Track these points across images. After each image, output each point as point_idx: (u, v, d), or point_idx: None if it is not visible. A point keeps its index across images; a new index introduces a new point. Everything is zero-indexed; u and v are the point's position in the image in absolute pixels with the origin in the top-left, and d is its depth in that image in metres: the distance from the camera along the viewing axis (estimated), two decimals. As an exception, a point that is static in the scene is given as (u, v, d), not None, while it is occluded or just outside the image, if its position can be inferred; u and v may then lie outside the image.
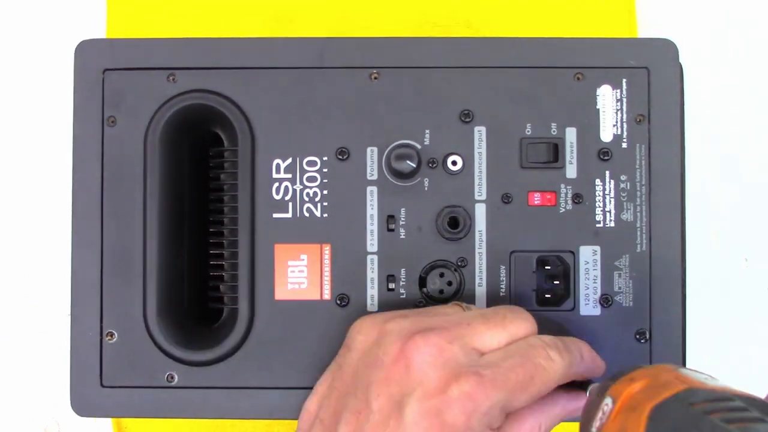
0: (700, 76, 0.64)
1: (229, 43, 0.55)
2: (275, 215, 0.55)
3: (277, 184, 0.55)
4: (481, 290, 0.54)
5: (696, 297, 0.65)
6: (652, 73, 0.54)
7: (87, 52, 0.55)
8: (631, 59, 0.54)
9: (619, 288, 0.54)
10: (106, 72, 0.55)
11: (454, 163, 0.54)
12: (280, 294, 0.54)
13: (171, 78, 0.55)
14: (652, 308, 0.54)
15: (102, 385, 0.55)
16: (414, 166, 0.53)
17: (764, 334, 0.65)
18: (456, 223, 0.54)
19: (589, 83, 0.54)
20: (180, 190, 0.55)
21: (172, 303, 0.55)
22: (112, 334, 0.54)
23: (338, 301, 0.54)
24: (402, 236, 0.54)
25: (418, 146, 0.54)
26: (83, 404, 0.55)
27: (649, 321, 0.54)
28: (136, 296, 0.54)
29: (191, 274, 0.56)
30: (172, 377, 0.54)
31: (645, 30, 0.63)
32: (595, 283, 0.54)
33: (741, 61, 0.64)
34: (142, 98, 0.55)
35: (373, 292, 0.54)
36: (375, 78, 0.54)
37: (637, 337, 0.54)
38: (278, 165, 0.55)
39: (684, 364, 0.54)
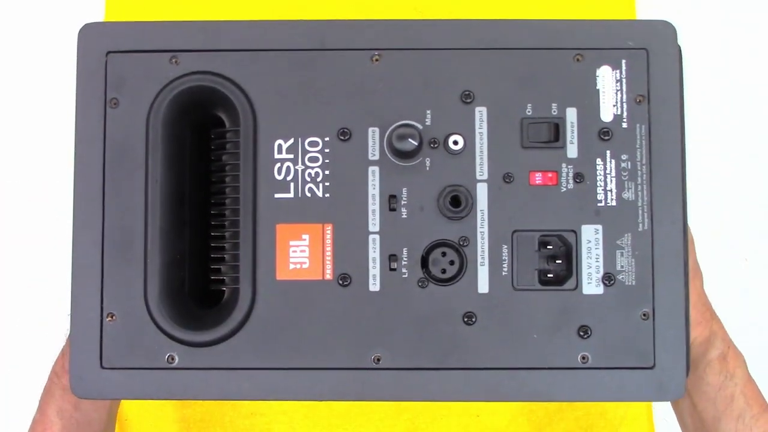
0: (700, 74, 0.65)
1: (231, 26, 0.55)
2: (277, 195, 0.55)
3: (279, 165, 0.55)
4: (483, 270, 0.54)
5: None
6: (651, 54, 0.54)
7: (90, 35, 0.55)
8: (630, 40, 0.54)
9: (622, 267, 0.54)
10: (109, 54, 0.55)
11: (455, 143, 0.54)
12: (281, 274, 0.54)
13: (174, 60, 0.55)
14: (655, 287, 0.54)
15: (102, 367, 0.54)
16: (416, 144, 0.53)
17: (765, 333, 0.65)
18: (458, 202, 0.54)
19: (589, 64, 0.54)
20: (182, 172, 0.55)
21: (173, 284, 0.55)
22: (112, 315, 0.54)
23: (340, 281, 0.54)
24: (404, 216, 0.54)
25: (420, 126, 0.54)
26: (83, 386, 0.54)
27: (652, 300, 0.54)
28: (138, 277, 0.54)
29: (192, 255, 0.56)
30: (173, 358, 0.54)
31: (644, 12, 0.64)
32: (597, 262, 0.54)
33: (743, 59, 0.65)
34: (145, 80, 0.55)
35: (375, 272, 0.54)
36: (376, 60, 0.55)
37: (642, 316, 0.53)
38: (280, 145, 0.55)
39: (688, 343, 0.54)
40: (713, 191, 0.65)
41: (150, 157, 0.54)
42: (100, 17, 0.66)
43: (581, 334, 0.53)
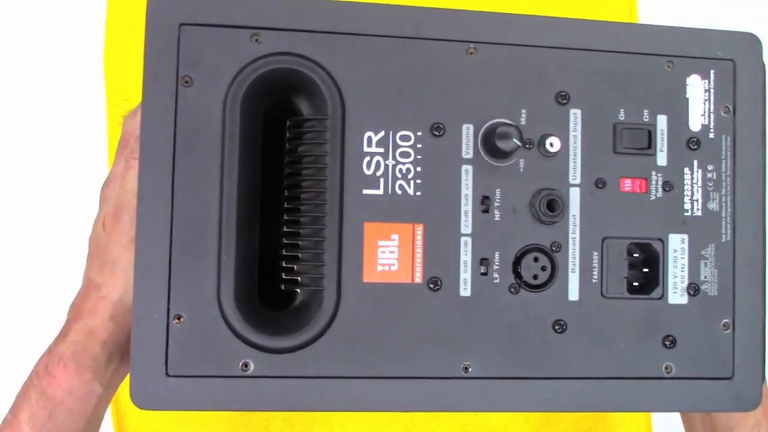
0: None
1: (321, 5, 0.51)
2: (365, 191, 0.51)
3: (368, 159, 0.51)
4: (574, 276, 0.53)
5: None
6: (737, 65, 0.55)
7: (161, 4, 0.50)
8: (718, 50, 0.55)
9: (705, 277, 0.54)
10: (182, 27, 0.50)
11: (551, 144, 0.52)
12: (368, 276, 0.51)
13: (254, 38, 0.50)
14: (735, 298, 0.54)
15: (168, 374, 0.49)
16: (519, 144, 0.51)
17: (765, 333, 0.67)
18: (553, 207, 0.52)
19: (679, 72, 0.54)
20: (257, 161, 0.51)
21: (248, 284, 0.50)
22: (180, 317, 0.49)
23: (431, 285, 0.51)
24: (497, 218, 0.52)
25: (519, 125, 0.52)
26: (146, 396, 0.48)
27: (733, 311, 0.54)
28: (210, 275, 0.49)
29: (263, 252, 0.51)
30: (247, 365, 0.49)
31: (644, 12, 0.65)
32: (683, 271, 0.54)
33: None
34: (223, 58, 0.50)
35: (466, 276, 0.51)
36: (471, 53, 0.52)
37: (723, 327, 0.54)
38: (370, 138, 0.51)
39: (764, 354, 0.54)
40: None
41: (227, 143, 0.49)
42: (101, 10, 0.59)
43: (666, 343, 0.53)
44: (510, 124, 0.51)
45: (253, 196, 0.50)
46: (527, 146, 0.52)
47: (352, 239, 0.50)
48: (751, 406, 0.54)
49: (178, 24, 0.49)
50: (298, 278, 0.51)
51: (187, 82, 0.49)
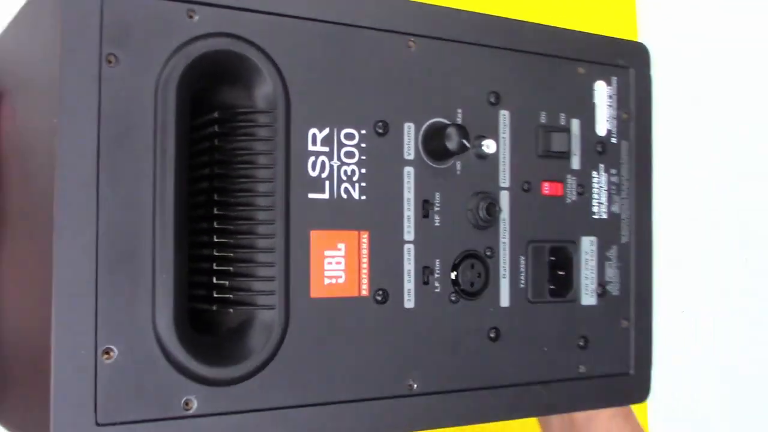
0: (702, 75, 0.67)
1: None
2: (311, 196, 0.45)
3: (313, 159, 0.45)
4: (504, 282, 0.51)
5: (696, 296, 0.69)
6: (633, 73, 0.57)
7: None
8: (620, 58, 0.56)
9: (610, 278, 0.55)
10: None
11: (487, 146, 0.50)
12: (316, 291, 0.45)
13: (189, 14, 0.42)
14: (632, 297, 0.56)
15: (98, 423, 0.39)
16: (468, 145, 0.48)
17: (764, 333, 0.70)
18: (492, 212, 0.50)
19: (588, 77, 0.55)
20: (186, 160, 0.43)
21: (183, 307, 0.42)
22: (110, 352, 0.40)
23: (377, 298, 0.47)
24: (437, 223, 0.49)
25: (463, 125, 0.49)
26: None
27: (631, 310, 0.56)
28: (144, 298, 0.40)
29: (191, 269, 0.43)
30: (189, 403, 0.41)
31: (644, 11, 0.66)
32: (592, 273, 0.55)
33: (745, 63, 0.69)
34: (154, 35, 0.41)
35: (409, 286, 0.48)
36: (411, 46, 0.48)
37: (623, 325, 0.56)
38: (315, 136, 0.45)
39: (652, 347, 0.57)
40: (713, 191, 0.68)
41: (160, 137, 0.41)
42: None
43: (580, 344, 0.54)
44: (457, 125, 0.48)
45: (186, 202, 0.42)
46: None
47: (299, 250, 0.45)
48: (645, 397, 0.57)
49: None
50: (231, 296, 0.44)
51: (111, 61, 0.40)
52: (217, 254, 0.44)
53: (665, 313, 0.69)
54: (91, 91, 0.40)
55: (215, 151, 0.45)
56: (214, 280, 0.44)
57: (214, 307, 0.44)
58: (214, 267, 0.44)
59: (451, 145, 0.48)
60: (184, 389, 0.41)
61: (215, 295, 0.44)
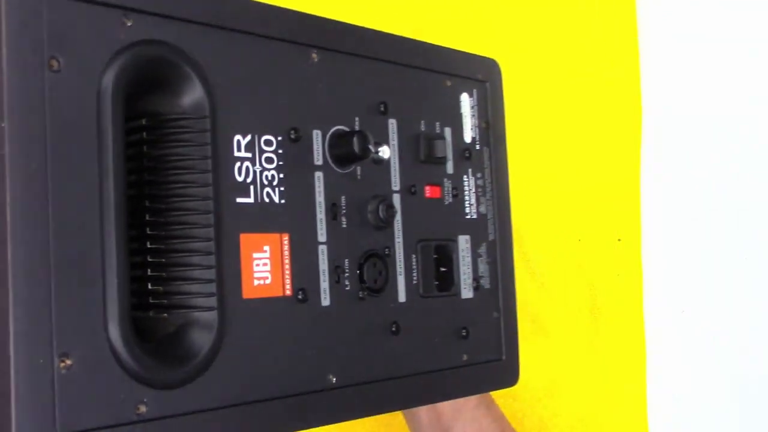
0: (704, 76, 0.71)
1: None
2: (239, 200, 0.46)
3: (238, 164, 0.47)
4: (401, 279, 0.55)
5: (696, 296, 0.72)
6: (489, 86, 0.63)
7: None
8: (478, 73, 0.62)
9: (482, 273, 0.61)
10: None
11: (383, 153, 0.54)
12: (247, 292, 0.46)
13: (125, 21, 0.42)
14: (500, 289, 0.62)
15: None
16: (373, 150, 0.51)
17: (764, 333, 0.72)
18: (392, 213, 0.53)
19: (455, 89, 0.60)
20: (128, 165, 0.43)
21: (128, 311, 0.42)
22: (65, 359, 0.39)
23: (299, 297, 0.49)
24: (344, 225, 0.52)
25: (365, 131, 0.52)
26: None
27: (499, 301, 0.62)
28: (96, 303, 0.40)
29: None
30: (141, 408, 0.41)
31: (643, 10, 0.69)
32: (468, 268, 0.60)
33: (745, 61, 0.71)
34: (91, 40, 0.41)
35: (325, 285, 0.50)
36: (314, 58, 0.51)
37: (495, 315, 0.61)
38: (239, 142, 0.47)
39: (517, 334, 0.63)
40: (713, 191, 0.67)
41: (102, 143, 0.41)
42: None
43: (463, 335, 0.58)
44: (361, 131, 0.51)
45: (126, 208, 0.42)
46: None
47: (230, 253, 0.46)
48: (515, 381, 0.62)
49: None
50: (166, 301, 0.44)
51: (53, 66, 0.40)
52: (150, 260, 0.44)
53: (665, 313, 0.74)
54: (36, 95, 0.39)
55: (144, 158, 0.45)
56: (149, 286, 0.44)
57: (151, 313, 0.44)
58: (148, 273, 0.44)
59: (358, 150, 0.51)
60: (135, 394, 0.41)
61: (151, 301, 0.44)
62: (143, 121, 0.45)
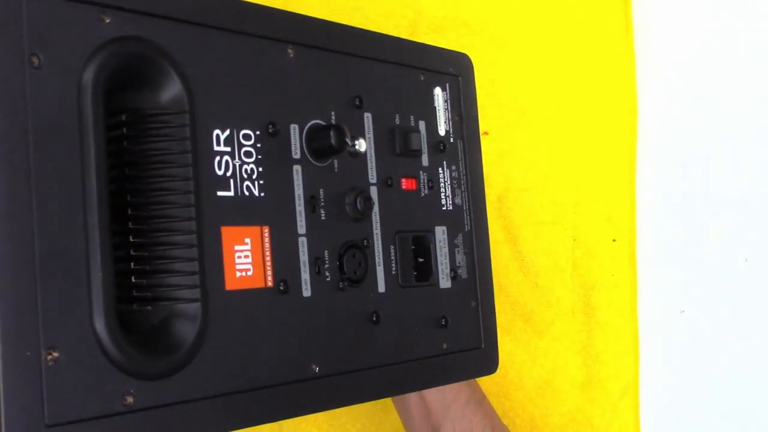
0: (700, 75, 0.69)
1: None
2: (219, 193, 0.47)
3: (218, 158, 0.47)
4: (380, 270, 0.56)
5: (696, 296, 0.71)
6: (461, 80, 0.64)
7: None
8: (450, 67, 0.63)
9: (459, 263, 0.62)
10: None
11: (359, 146, 0.54)
12: (230, 284, 0.47)
13: (102, 17, 0.43)
14: (477, 279, 0.63)
15: (47, 425, 0.39)
16: (350, 143, 0.52)
17: (764, 333, 0.71)
18: (369, 205, 0.54)
19: (428, 83, 0.61)
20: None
21: (113, 303, 0.42)
22: (52, 352, 0.39)
23: (280, 288, 0.49)
24: (323, 217, 0.52)
25: (341, 125, 0.53)
26: None
27: (477, 290, 0.63)
28: (81, 295, 0.41)
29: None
30: (127, 398, 0.42)
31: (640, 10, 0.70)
32: (446, 259, 0.61)
33: (742, 60, 0.70)
34: (71, 37, 0.42)
35: (306, 276, 0.51)
36: (290, 53, 0.52)
37: (473, 303, 0.62)
38: (218, 136, 0.48)
39: (496, 322, 0.64)
40: (713, 191, 0.67)
41: (84, 138, 0.41)
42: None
43: (442, 324, 0.59)
44: (337, 125, 0.52)
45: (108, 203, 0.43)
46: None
47: (212, 246, 0.46)
48: (495, 368, 0.63)
49: None
50: (149, 294, 0.45)
51: (34, 62, 0.40)
52: (133, 254, 0.45)
53: (665, 313, 0.74)
54: (18, 92, 0.39)
55: (125, 153, 0.45)
56: (133, 280, 0.45)
57: (135, 306, 0.45)
58: (132, 266, 0.45)
59: (335, 143, 0.52)
60: (122, 384, 0.42)
61: (135, 294, 0.45)
62: (123, 117, 0.45)
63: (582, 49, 0.80)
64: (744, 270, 0.71)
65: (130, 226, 0.45)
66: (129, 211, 0.45)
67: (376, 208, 0.56)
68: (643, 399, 0.74)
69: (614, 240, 0.76)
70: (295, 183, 0.51)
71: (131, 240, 0.45)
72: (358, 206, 0.54)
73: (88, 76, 0.42)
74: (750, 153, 0.75)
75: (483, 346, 0.63)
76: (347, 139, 0.52)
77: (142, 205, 0.45)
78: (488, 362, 0.63)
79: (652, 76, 0.74)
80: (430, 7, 0.76)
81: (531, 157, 0.79)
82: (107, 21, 0.43)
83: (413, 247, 0.59)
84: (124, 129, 0.45)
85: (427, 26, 0.75)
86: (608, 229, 0.78)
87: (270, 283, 0.49)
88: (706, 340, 0.74)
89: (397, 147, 0.58)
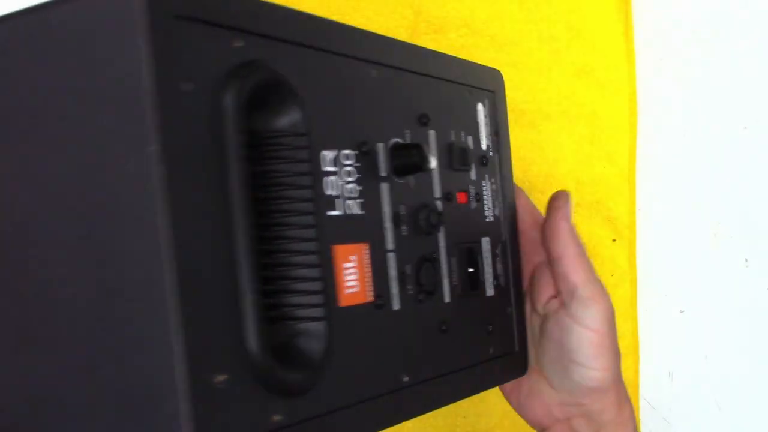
0: (700, 75, 0.69)
1: (288, 13, 0.47)
2: (329, 213, 0.48)
3: (326, 179, 0.49)
4: (446, 282, 0.58)
5: (696, 296, 0.70)
6: (496, 96, 0.67)
7: None
8: (488, 83, 0.66)
9: (499, 271, 0.65)
10: (177, 20, 0.40)
11: (432, 162, 0.56)
12: (342, 300, 0.48)
13: (234, 42, 0.44)
14: (513, 286, 0.66)
15: None
16: (434, 164, 0.54)
17: (764, 333, 0.71)
18: (438, 220, 0.57)
19: (473, 100, 0.64)
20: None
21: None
22: (219, 374, 0.40)
23: (378, 303, 0.51)
24: (404, 233, 0.54)
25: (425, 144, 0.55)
26: None
27: (512, 297, 0.66)
28: (236, 318, 0.41)
29: None
30: (276, 417, 0.43)
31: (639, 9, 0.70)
32: (490, 268, 0.64)
33: (743, 60, 0.70)
34: (210, 62, 0.42)
35: (395, 291, 0.53)
36: (374, 73, 0.54)
37: (509, 310, 0.65)
38: (324, 157, 0.49)
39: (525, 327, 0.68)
40: (713, 192, 0.66)
41: (229, 160, 0.42)
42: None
43: (489, 330, 0.62)
44: (420, 145, 0.54)
45: None
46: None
47: (328, 264, 0.48)
48: (525, 370, 0.67)
49: (174, 15, 0.40)
50: (275, 313, 0.46)
51: (182, 88, 0.40)
52: (271, 275, 0.46)
53: (665, 313, 0.75)
54: (174, 118, 0.40)
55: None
56: (270, 301, 0.46)
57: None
58: (268, 287, 0.46)
59: (420, 162, 0.54)
60: (272, 404, 0.43)
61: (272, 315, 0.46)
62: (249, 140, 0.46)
63: (582, 48, 0.82)
64: (744, 270, 0.73)
65: (261, 248, 0.46)
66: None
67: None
68: (643, 399, 0.77)
69: (614, 240, 0.80)
70: (384, 200, 0.53)
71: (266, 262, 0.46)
72: (432, 221, 0.56)
73: (229, 99, 0.42)
74: (750, 153, 0.75)
75: (517, 349, 0.66)
76: (429, 157, 0.54)
77: (266, 226, 0.46)
78: (521, 365, 0.67)
79: (652, 76, 0.76)
80: (430, 7, 0.77)
81: (531, 157, 0.82)
82: (239, 45, 0.44)
83: (466, 258, 0.61)
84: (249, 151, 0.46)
85: (427, 26, 0.76)
86: (608, 229, 0.80)
87: (371, 299, 0.51)
88: (706, 340, 0.76)
89: (453, 162, 0.60)
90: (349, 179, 0.50)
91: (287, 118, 0.47)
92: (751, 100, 0.77)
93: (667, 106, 0.80)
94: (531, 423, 0.70)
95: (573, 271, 0.64)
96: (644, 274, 0.78)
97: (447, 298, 0.58)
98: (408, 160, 0.54)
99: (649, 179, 0.77)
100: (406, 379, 0.53)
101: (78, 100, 0.41)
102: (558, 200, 0.65)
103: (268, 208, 0.46)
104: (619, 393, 0.67)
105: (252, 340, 0.42)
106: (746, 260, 0.71)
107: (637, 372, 0.79)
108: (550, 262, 0.65)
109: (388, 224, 0.53)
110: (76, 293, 0.42)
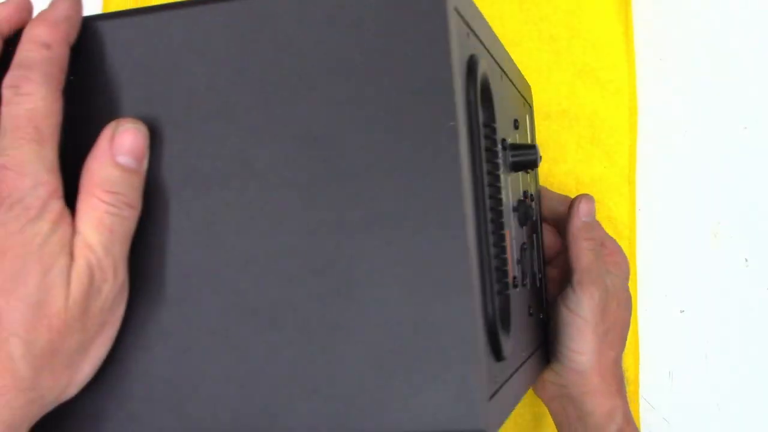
0: (700, 75, 0.70)
1: None
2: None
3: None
4: (530, 270, 0.64)
5: (696, 296, 0.72)
6: (531, 107, 0.74)
7: None
8: (529, 98, 0.73)
9: (540, 267, 0.72)
10: (456, 10, 0.44)
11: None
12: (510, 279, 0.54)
13: (470, 37, 0.48)
14: (543, 283, 0.73)
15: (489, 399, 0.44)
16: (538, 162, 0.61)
17: (764, 333, 0.72)
18: (534, 211, 0.63)
19: (528, 108, 0.71)
20: None
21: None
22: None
23: (515, 282, 0.56)
24: (514, 223, 0.60)
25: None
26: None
27: (543, 292, 0.73)
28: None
29: None
30: (496, 378, 0.47)
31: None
32: (536, 262, 0.70)
33: (743, 59, 0.71)
34: (466, 47, 0.46)
35: (516, 274, 0.58)
36: (501, 77, 0.59)
37: (529, 309, 0.72)
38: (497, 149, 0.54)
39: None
40: (713, 191, 0.66)
41: (481, 146, 0.47)
42: None
43: (541, 317, 0.69)
44: (535, 145, 0.60)
45: None
46: None
47: (505, 246, 0.53)
48: (548, 362, 0.74)
49: (453, 6, 0.44)
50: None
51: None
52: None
53: (665, 313, 0.76)
54: (462, 95, 0.44)
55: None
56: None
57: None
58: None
59: (536, 159, 0.60)
60: (494, 369, 0.47)
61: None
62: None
63: (582, 48, 0.81)
64: (744, 270, 0.72)
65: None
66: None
67: (520, 215, 0.64)
68: (643, 399, 0.79)
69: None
70: (510, 192, 0.58)
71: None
72: (528, 212, 0.62)
73: (472, 93, 0.46)
74: (750, 153, 0.74)
75: (543, 343, 0.73)
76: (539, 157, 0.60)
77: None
78: (546, 355, 0.74)
79: (652, 76, 0.75)
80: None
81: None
82: (471, 40, 0.48)
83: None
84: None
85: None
86: (608, 229, 0.79)
87: (516, 280, 0.56)
88: (706, 340, 0.75)
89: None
90: (503, 170, 0.55)
91: (487, 113, 0.51)
92: (751, 100, 0.75)
93: (667, 106, 0.79)
94: (537, 394, 0.76)
95: (576, 260, 0.70)
96: (644, 274, 0.79)
97: (528, 285, 0.64)
98: (527, 158, 0.60)
99: (649, 179, 0.77)
100: (523, 354, 0.58)
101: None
102: (579, 202, 0.71)
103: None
104: (607, 385, 0.71)
105: (491, 310, 0.46)
106: (746, 260, 0.72)
107: (637, 372, 0.80)
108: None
109: (510, 213, 0.58)
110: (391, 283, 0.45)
